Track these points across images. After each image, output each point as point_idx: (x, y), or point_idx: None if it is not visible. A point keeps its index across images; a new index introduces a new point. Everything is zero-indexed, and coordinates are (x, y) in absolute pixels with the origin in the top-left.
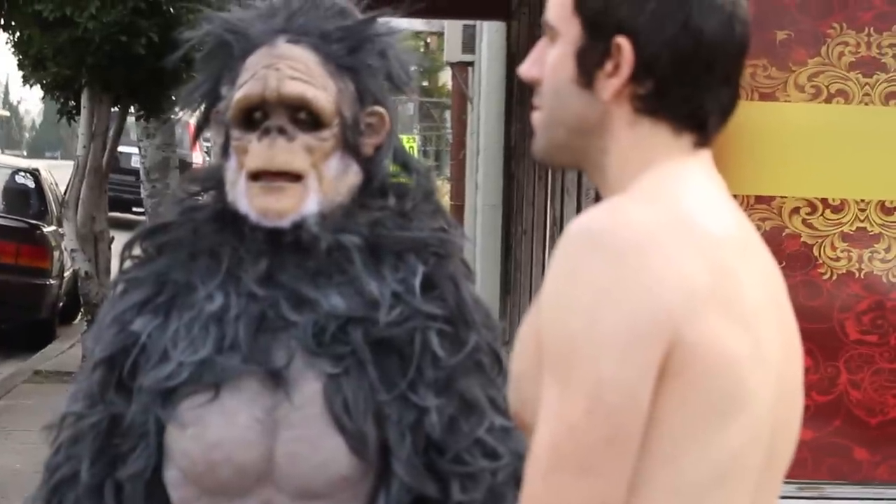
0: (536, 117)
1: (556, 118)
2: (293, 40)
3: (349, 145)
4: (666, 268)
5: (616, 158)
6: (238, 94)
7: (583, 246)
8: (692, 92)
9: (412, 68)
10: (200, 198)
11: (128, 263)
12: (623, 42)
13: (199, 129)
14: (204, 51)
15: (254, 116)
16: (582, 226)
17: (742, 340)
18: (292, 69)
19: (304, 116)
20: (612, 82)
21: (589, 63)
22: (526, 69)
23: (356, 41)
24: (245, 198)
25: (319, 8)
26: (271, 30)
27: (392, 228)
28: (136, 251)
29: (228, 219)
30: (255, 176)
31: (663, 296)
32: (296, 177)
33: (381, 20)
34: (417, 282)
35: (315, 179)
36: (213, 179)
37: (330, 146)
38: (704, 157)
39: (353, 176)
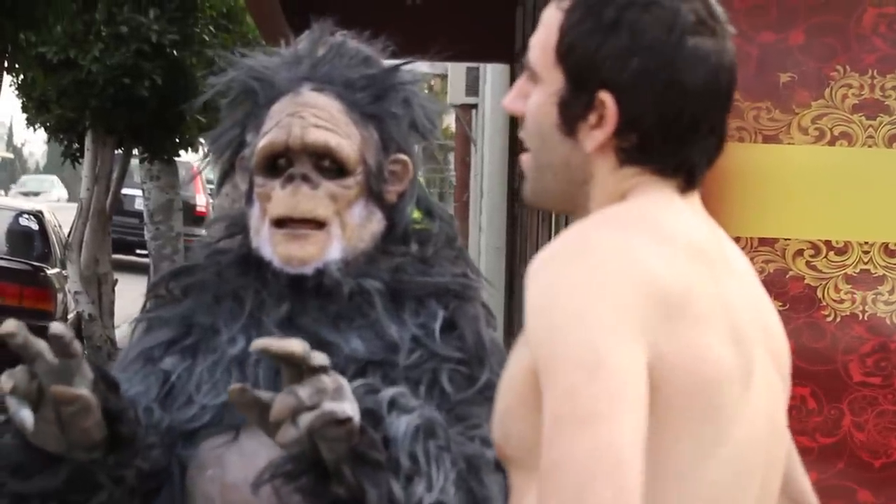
0: (525, 160)
1: (542, 162)
2: (318, 88)
3: (373, 193)
4: (641, 270)
5: (600, 203)
6: (262, 142)
7: (558, 263)
8: (678, 146)
9: (436, 115)
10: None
11: (151, 303)
12: (607, 98)
13: (224, 175)
14: (229, 97)
15: (278, 163)
16: (552, 250)
17: (727, 358)
18: (316, 117)
19: (328, 164)
20: (595, 135)
21: (572, 114)
22: (510, 102)
23: (380, 89)
24: (269, 244)
25: (344, 56)
26: (296, 77)
27: (413, 274)
28: (161, 291)
29: (252, 263)
30: (279, 223)
31: (642, 296)
32: (319, 224)
33: (405, 68)
34: (437, 326)
35: (338, 227)
36: (239, 225)
37: (354, 194)
38: (689, 196)
39: (377, 223)
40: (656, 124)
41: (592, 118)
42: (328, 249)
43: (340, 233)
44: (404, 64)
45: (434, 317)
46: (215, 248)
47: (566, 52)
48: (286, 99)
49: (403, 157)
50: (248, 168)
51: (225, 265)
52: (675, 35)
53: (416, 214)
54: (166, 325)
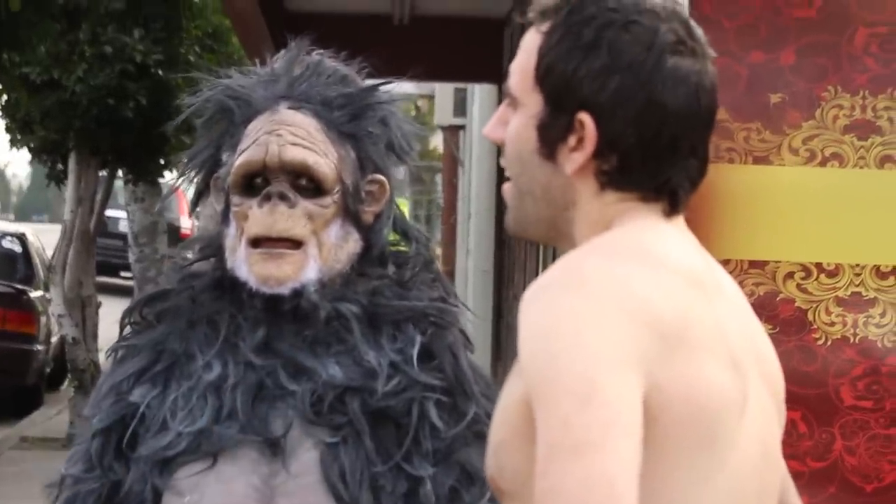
0: (506, 189)
1: (523, 189)
2: (295, 106)
3: (350, 213)
4: (636, 298)
5: (584, 229)
6: (239, 160)
7: (551, 292)
8: (657, 167)
9: (413, 137)
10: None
11: (127, 330)
12: (586, 119)
13: (199, 195)
14: (205, 116)
15: (254, 182)
16: (545, 280)
17: (726, 385)
18: (294, 135)
19: (306, 183)
20: (574, 157)
21: (551, 137)
22: (491, 130)
23: (358, 108)
24: (245, 264)
25: (321, 74)
26: (273, 96)
27: (390, 298)
28: (136, 318)
29: (227, 286)
30: (256, 242)
31: (638, 326)
32: (296, 243)
33: (382, 88)
34: (415, 352)
35: (315, 247)
36: (213, 246)
37: (331, 213)
38: (675, 220)
39: (353, 244)
40: (636, 144)
41: (572, 140)
42: (305, 270)
43: (317, 253)
44: (382, 83)
45: (412, 342)
46: (189, 271)
47: (545, 74)
48: (263, 117)
49: (380, 177)
50: (224, 187)
51: (199, 289)
52: (654, 54)
53: (392, 236)
54: (138, 353)
